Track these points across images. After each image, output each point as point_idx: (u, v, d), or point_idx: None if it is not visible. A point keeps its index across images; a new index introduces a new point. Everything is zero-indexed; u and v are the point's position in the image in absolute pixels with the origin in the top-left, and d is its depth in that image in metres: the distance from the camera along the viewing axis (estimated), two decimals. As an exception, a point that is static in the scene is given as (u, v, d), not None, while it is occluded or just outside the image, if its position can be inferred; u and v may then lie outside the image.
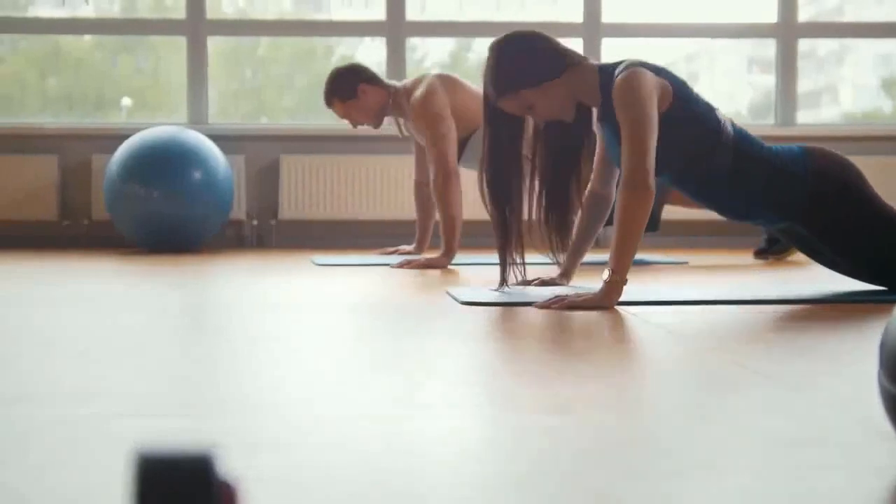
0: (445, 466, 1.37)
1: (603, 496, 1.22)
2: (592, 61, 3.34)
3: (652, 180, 3.08)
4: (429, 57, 8.04)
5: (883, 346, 1.33)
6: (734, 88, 7.21)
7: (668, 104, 3.20)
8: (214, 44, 6.79)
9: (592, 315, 2.91)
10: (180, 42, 6.69)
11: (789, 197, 3.29)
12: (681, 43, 8.16)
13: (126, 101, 7.48)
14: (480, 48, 7.89)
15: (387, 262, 4.93)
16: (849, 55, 8.76)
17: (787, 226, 3.39)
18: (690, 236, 6.35)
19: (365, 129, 6.51)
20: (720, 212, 3.45)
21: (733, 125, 3.32)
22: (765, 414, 1.70)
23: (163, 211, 5.69)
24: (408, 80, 5.12)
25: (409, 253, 5.34)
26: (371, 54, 7.30)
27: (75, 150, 6.45)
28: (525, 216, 3.47)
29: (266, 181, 6.55)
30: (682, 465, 1.38)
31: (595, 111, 3.37)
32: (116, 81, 7.63)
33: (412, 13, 6.76)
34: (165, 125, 6.08)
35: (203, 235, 5.94)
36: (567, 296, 3.09)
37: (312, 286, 3.88)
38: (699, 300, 3.21)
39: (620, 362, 2.23)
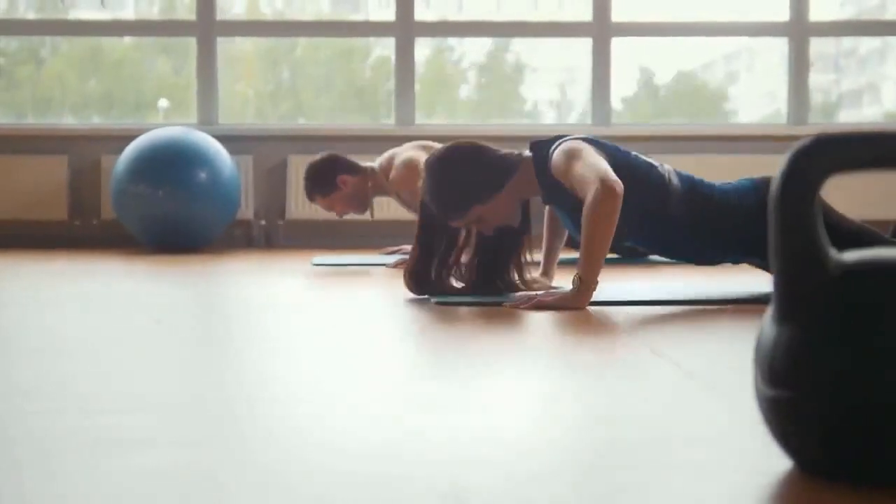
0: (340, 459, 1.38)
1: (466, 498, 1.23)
2: (525, 152, 3.31)
3: (619, 185, 3.04)
4: (466, 57, 8.05)
5: (756, 349, 1.32)
6: (774, 87, 7.16)
7: None
8: (252, 45, 6.83)
9: (558, 314, 2.91)
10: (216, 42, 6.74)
11: (748, 233, 3.24)
12: (719, 42, 8.10)
13: (163, 103, 7.54)
14: (517, 48, 7.89)
15: (384, 261, 4.95)
16: (891, 53, 8.67)
17: (757, 261, 3.36)
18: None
19: (372, 128, 6.53)
20: (692, 261, 3.41)
21: (678, 175, 3.29)
22: (675, 414, 1.70)
23: (167, 211, 5.73)
24: (381, 159, 5.07)
25: (409, 252, 5.34)
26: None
27: (85, 150, 6.51)
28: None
29: (274, 181, 6.58)
30: (567, 466, 1.38)
31: (539, 197, 3.35)
32: (154, 83, 7.69)
33: (450, 12, 6.76)
34: (173, 125, 6.13)
35: (209, 235, 5.97)
36: (537, 295, 3.09)
37: (301, 287, 3.90)
38: (672, 300, 3.20)
39: (548, 362, 2.23)
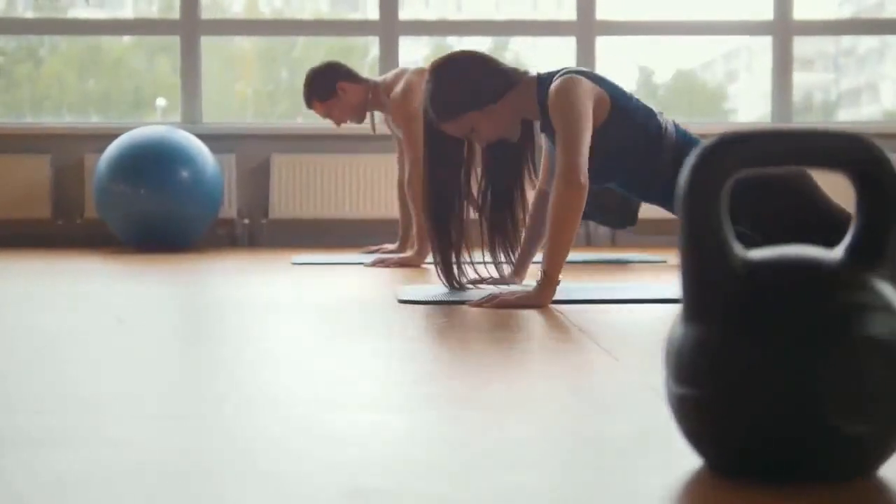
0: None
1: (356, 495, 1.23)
2: (532, 74, 3.33)
3: (584, 178, 3.06)
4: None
5: (667, 351, 1.32)
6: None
7: (607, 113, 3.20)
8: (251, 44, 6.84)
9: (518, 313, 2.91)
10: (213, 42, 6.74)
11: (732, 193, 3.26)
12: (717, 41, 8.07)
13: (161, 102, 7.55)
14: (517, 47, 7.88)
15: (362, 260, 4.95)
16: (890, 52, 8.66)
17: (735, 226, 3.36)
18: (673, 235, 6.31)
19: (356, 128, 6.53)
20: (669, 209, 3.43)
21: (676, 127, 3.32)
22: (608, 413, 1.70)
23: (149, 210, 5.72)
24: (388, 75, 5.12)
25: (391, 251, 5.35)
26: (410, 52, 7.33)
27: (68, 149, 6.51)
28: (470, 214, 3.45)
29: (257, 180, 6.58)
30: (469, 461, 1.38)
31: (537, 123, 3.37)
32: (152, 82, 7.70)
33: (450, 12, 6.75)
34: (155, 124, 6.13)
35: (192, 234, 5.97)
36: (501, 294, 3.10)
37: (279, 286, 3.91)
38: (634, 299, 3.20)
39: (495, 360, 2.24)
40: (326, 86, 5.05)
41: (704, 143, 1.26)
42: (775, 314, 1.22)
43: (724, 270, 1.25)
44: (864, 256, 1.26)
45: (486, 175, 3.41)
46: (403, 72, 5.01)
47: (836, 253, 1.28)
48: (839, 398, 1.20)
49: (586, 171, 3.07)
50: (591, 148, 3.12)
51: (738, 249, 1.27)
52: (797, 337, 1.20)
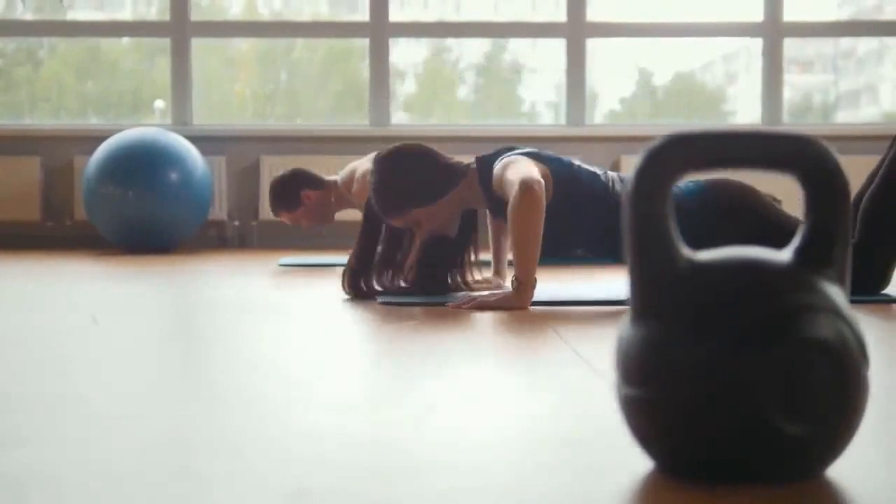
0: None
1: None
2: (473, 164, 3.33)
3: (537, 181, 3.04)
4: (464, 59, 8.04)
5: (617, 352, 1.32)
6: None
7: (552, 187, 3.18)
8: (249, 45, 6.86)
9: (497, 314, 2.91)
10: (213, 43, 6.74)
11: (693, 234, 3.25)
12: (717, 42, 8.07)
13: (159, 103, 7.54)
14: (515, 48, 7.88)
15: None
16: (889, 54, 8.65)
17: None
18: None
19: (344, 129, 6.55)
20: None
21: (622, 180, 3.30)
22: (568, 413, 1.70)
23: (137, 212, 5.73)
24: (343, 172, 5.06)
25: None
26: (410, 53, 7.33)
27: (58, 151, 6.51)
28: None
29: (247, 182, 6.58)
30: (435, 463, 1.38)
31: (487, 210, 3.40)
32: (152, 83, 7.70)
33: (448, 14, 6.76)
34: (144, 126, 6.13)
35: (180, 236, 5.97)
36: (480, 295, 3.10)
37: (264, 287, 3.91)
38: (617, 300, 3.20)
39: (467, 359, 2.24)
40: (291, 196, 5.00)
41: (652, 142, 1.26)
42: (721, 315, 1.22)
43: (671, 271, 1.25)
44: (812, 258, 1.26)
45: (421, 261, 3.37)
46: (356, 167, 4.97)
47: (784, 254, 1.28)
48: (784, 399, 1.20)
49: (539, 176, 3.05)
50: (547, 224, 3.06)
51: (685, 250, 1.27)
52: (742, 338, 1.20)
